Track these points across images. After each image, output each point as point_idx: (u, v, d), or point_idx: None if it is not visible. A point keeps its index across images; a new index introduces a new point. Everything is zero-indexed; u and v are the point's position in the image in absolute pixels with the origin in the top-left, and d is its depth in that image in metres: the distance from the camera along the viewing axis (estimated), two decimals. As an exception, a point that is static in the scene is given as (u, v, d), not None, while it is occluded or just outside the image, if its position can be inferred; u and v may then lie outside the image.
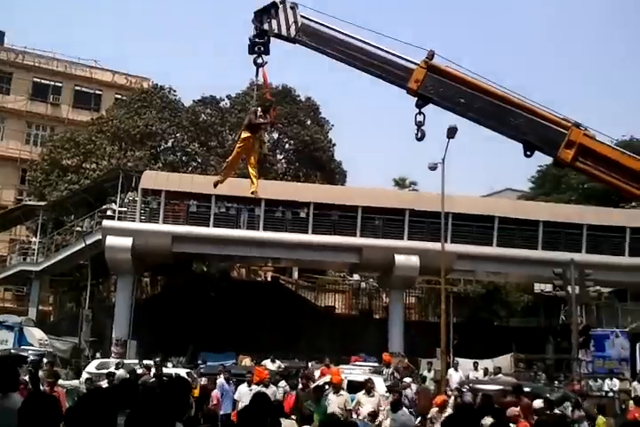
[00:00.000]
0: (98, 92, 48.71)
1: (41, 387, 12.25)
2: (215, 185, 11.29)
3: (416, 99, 9.53)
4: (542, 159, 9.87)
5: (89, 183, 34.43)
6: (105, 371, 18.33)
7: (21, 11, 77.97)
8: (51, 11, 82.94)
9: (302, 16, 9.86)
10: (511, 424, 9.36)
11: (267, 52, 10.19)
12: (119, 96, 46.92)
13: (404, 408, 12.97)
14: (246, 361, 25.02)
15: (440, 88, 9.31)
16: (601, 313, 34.59)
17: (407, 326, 31.98)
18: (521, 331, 35.43)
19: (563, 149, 8.95)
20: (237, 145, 10.53)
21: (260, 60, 10.20)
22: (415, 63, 9.43)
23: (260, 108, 10.45)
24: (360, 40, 9.64)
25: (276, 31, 9.92)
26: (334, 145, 42.68)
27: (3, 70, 46.43)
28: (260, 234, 30.89)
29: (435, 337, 26.65)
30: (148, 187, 31.12)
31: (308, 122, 42.30)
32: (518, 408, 11.34)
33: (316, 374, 20.61)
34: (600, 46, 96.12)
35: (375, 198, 32.07)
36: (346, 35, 9.69)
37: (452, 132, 22.41)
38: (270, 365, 24.17)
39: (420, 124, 9.59)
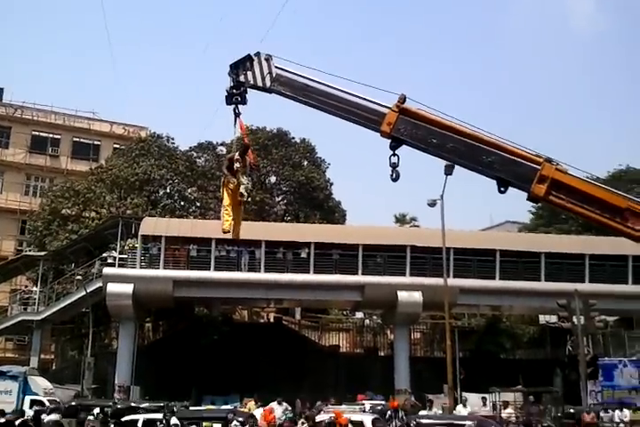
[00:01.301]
0: (96, 142, 49.31)
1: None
2: (226, 232, 11.36)
3: (390, 141, 9.75)
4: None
5: (89, 232, 34.51)
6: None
7: (19, 66, 79.70)
8: (48, 65, 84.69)
9: (276, 67, 10.18)
10: None
11: (244, 102, 10.57)
12: (117, 146, 47.60)
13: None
14: (251, 404, 24.62)
15: (412, 130, 9.54)
16: (608, 342, 34.23)
17: (413, 362, 31.70)
18: (527, 363, 35.09)
19: (535, 184, 9.08)
20: (224, 190, 10.79)
21: (237, 111, 10.57)
22: (387, 107, 9.70)
23: (237, 153, 10.82)
24: (333, 87, 9.94)
25: (251, 82, 10.26)
26: (332, 184, 43.11)
27: (1, 125, 47.11)
28: (261, 276, 30.86)
29: (441, 372, 26.44)
30: (147, 233, 31.17)
31: (305, 163, 42.78)
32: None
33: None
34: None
35: (376, 236, 32.10)
36: (319, 82, 10.00)
37: (449, 169, 22.62)
38: (277, 407, 23.86)
39: (394, 166, 9.79)
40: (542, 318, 36.62)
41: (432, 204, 28.21)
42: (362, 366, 33.44)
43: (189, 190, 40.38)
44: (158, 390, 27.60)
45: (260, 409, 22.01)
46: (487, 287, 31.11)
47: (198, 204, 39.87)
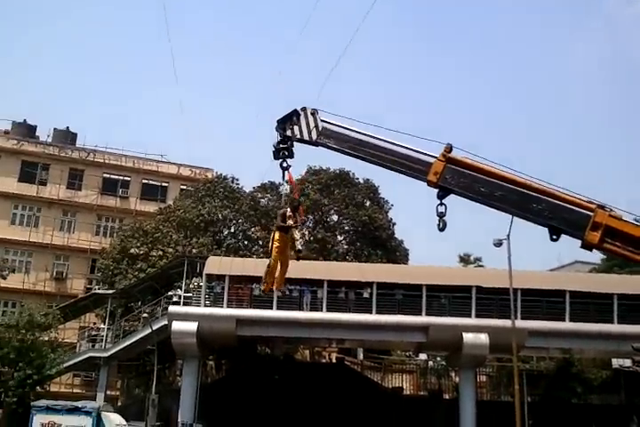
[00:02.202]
0: (164, 184, 50.52)
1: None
2: (264, 291, 11.59)
3: (437, 190, 9.69)
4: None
5: (155, 270, 35.32)
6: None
7: (90, 111, 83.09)
8: (116, 110, 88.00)
9: (322, 120, 10.31)
10: None
11: (291, 156, 10.69)
12: (184, 187, 48.72)
13: None
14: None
15: (460, 179, 9.43)
16: (688, 389, 32.49)
17: (479, 406, 30.69)
18: (601, 409, 33.59)
19: (589, 231, 8.78)
20: (274, 246, 10.92)
21: (285, 164, 10.69)
22: (434, 156, 9.63)
23: (289, 209, 10.96)
24: (378, 138, 9.97)
25: (298, 136, 10.39)
26: (394, 224, 42.92)
27: (75, 168, 48.89)
28: (323, 315, 30.77)
29: (509, 418, 25.59)
30: (212, 272, 31.63)
31: (368, 203, 42.96)
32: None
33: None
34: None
35: (439, 276, 31.75)
36: (364, 134, 10.06)
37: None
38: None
39: (441, 215, 9.68)
40: (615, 362, 35.13)
41: (498, 244, 27.83)
42: (425, 410, 32.64)
43: (253, 230, 40.97)
44: (220, 428, 27.64)
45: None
46: (557, 330, 30.16)
47: (261, 243, 40.33)
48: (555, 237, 9.11)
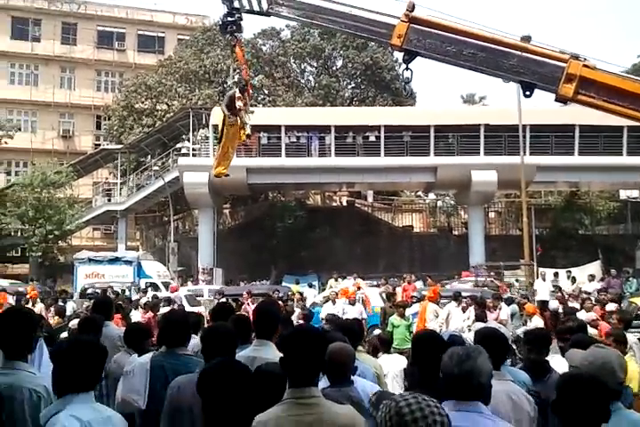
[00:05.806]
0: (160, 34, 48.89)
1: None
2: (218, 176, 11.44)
3: (402, 54, 9.07)
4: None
5: (161, 124, 35.13)
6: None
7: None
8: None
9: None
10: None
11: (240, 31, 10.03)
12: (181, 37, 47.18)
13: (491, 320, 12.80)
14: (331, 281, 25.41)
15: (426, 40, 8.78)
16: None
17: (488, 240, 31.64)
18: (608, 238, 34.58)
19: (562, 84, 8.31)
20: (224, 129, 10.54)
21: (235, 40, 10.14)
22: (396, 17, 8.91)
23: (237, 90, 10.46)
24: (334, 2, 9.21)
25: (247, 8, 9.61)
26: (400, 65, 41.72)
27: (68, 22, 47.08)
28: (332, 161, 30.85)
29: (517, 250, 26.38)
30: (218, 123, 31.21)
31: (371, 44, 41.52)
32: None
33: (398, 290, 20.87)
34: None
35: (447, 116, 31.29)
36: None
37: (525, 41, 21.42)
38: (351, 283, 24.56)
39: (407, 81, 9.19)
40: (623, 194, 35.53)
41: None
42: (435, 246, 33.78)
43: (257, 79, 40.09)
44: (240, 271, 28.87)
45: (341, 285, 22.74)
46: (565, 164, 30.08)
47: (267, 91, 39.60)
48: (528, 93, 8.77)
